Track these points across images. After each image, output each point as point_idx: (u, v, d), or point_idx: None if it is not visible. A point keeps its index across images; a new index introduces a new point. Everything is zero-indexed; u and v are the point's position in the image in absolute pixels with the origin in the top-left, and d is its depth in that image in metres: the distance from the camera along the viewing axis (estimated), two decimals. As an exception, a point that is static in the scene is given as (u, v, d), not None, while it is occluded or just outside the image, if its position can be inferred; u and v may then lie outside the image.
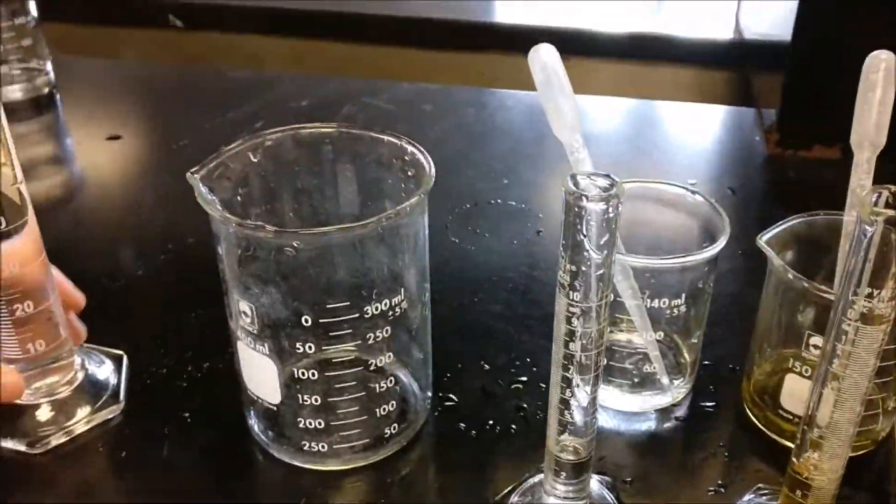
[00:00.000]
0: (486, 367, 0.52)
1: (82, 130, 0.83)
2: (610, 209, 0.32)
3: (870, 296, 0.32)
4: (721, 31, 1.08)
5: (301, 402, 0.42)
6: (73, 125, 0.85)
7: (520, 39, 1.12)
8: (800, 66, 0.73)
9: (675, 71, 1.11)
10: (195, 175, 0.41)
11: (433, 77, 1.12)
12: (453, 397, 0.50)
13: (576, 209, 0.32)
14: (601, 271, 0.33)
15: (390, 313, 0.41)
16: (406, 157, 0.44)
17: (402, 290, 0.42)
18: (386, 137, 0.45)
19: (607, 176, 0.33)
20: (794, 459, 0.38)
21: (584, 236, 0.32)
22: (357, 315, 0.40)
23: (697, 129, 0.84)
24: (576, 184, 0.32)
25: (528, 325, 0.56)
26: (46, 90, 0.88)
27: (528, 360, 0.53)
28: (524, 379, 0.51)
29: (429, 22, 1.12)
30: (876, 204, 0.32)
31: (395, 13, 1.12)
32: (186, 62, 1.15)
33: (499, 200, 0.70)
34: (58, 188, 0.74)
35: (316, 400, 0.42)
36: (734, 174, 0.76)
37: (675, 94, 1.09)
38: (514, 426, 0.48)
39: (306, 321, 0.39)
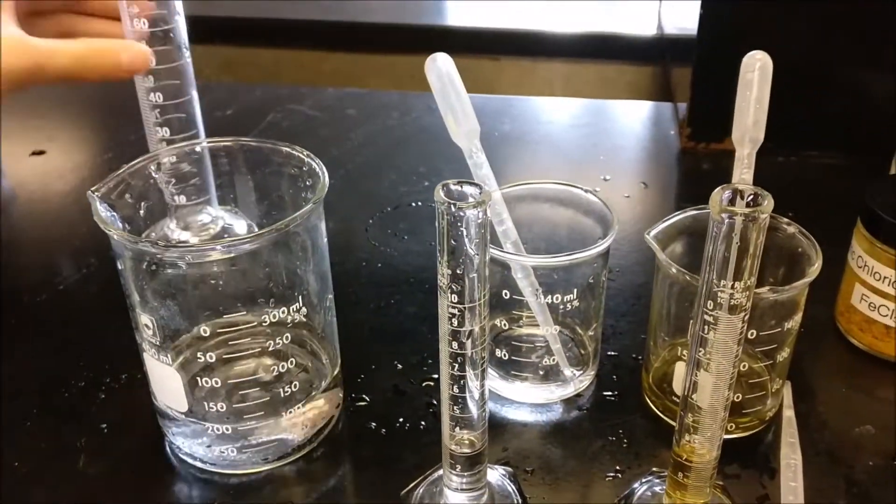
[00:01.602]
0: (399, 366, 0.54)
1: (6, 146, 0.83)
2: (480, 214, 0.34)
3: (726, 287, 0.35)
4: (645, 28, 1.11)
5: (207, 409, 0.43)
6: (-2, 141, 0.85)
7: (451, 41, 1.14)
8: (706, 59, 0.75)
9: (603, 67, 1.13)
10: (95, 193, 0.42)
11: (361, 81, 1.14)
12: (366, 397, 0.52)
13: (449, 217, 0.34)
14: (476, 273, 0.35)
15: (290, 320, 0.43)
16: (304, 168, 0.45)
17: (301, 297, 0.43)
18: (284, 148, 0.46)
19: (475, 184, 0.34)
20: (674, 443, 0.41)
21: (462, 240, 0.34)
22: (255, 324, 0.41)
23: (619, 126, 0.87)
24: (448, 193, 0.34)
25: (442, 324, 0.57)
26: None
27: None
28: (435, 376, 0.53)
29: (358, 26, 1.13)
30: (730, 202, 0.34)
31: (322, 17, 1.14)
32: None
33: (420, 203, 0.72)
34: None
35: (221, 407, 0.43)
36: (648, 168, 0.78)
37: (605, 90, 1.12)
38: (423, 422, 0.50)
39: (205, 332, 0.41)
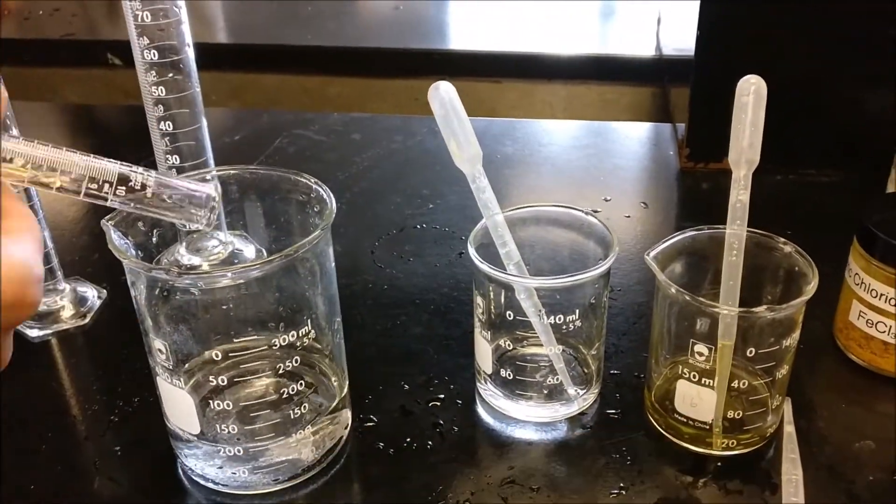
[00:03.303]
0: (406, 387, 0.55)
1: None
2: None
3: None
4: (644, 49, 1.13)
5: (219, 430, 0.44)
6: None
7: (452, 66, 1.16)
8: (703, 80, 0.77)
9: (604, 89, 1.15)
10: (108, 223, 0.43)
11: (366, 105, 1.16)
12: (373, 418, 0.53)
13: None
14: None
15: (299, 343, 0.44)
16: (311, 194, 0.47)
17: (310, 320, 0.44)
18: (292, 176, 0.47)
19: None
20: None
21: None
22: (265, 347, 0.42)
23: (619, 147, 0.88)
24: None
25: (447, 345, 0.59)
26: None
27: (446, 377, 0.56)
28: (441, 396, 0.54)
29: (362, 51, 1.15)
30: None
31: (326, 43, 1.16)
32: (125, 100, 1.17)
33: (424, 225, 0.73)
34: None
35: (233, 429, 0.44)
36: (649, 189, 0.80)
37: (606, 112, 1.14)
38: (430, 442, 0.51)
39: (216, 356, 0.42)
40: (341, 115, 0.94)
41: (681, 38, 1.03)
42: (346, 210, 0.75)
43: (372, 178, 0.81)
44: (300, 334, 0.44)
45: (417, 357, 0.58)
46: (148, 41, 0.53)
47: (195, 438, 0.45)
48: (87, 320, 0.62)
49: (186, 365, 0.43)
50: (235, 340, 0.42)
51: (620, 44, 1.18)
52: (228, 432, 0.44)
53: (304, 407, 0.46)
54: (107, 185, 0.33)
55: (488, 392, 0.53)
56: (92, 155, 0.34)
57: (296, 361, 0.44)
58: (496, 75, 1.13)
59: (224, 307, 0.42)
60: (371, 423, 0.52)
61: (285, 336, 0.43)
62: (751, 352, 0.46)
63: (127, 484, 0.49)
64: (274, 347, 0.43)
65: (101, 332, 0.62)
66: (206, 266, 0.59)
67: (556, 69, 1.15)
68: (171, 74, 0.56)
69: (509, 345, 0.51)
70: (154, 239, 0.46)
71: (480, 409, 0.53)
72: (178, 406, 0.45)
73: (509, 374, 0.51)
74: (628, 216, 0.73)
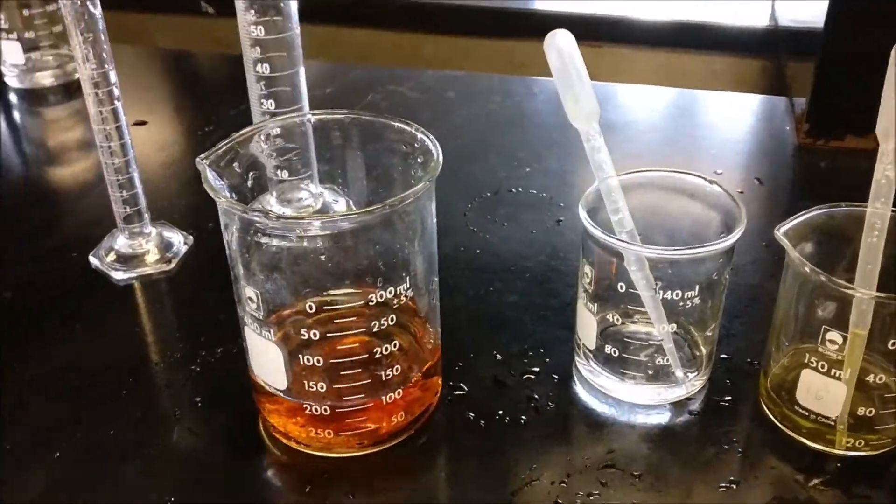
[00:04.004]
0: (499, 356, 0.52)
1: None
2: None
3: None
4: (756, 19, 1.06)
5: (307, 388, 0.42)
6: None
7: (552, 26, 1.11)
8: (832, 53, 0.71)
9: (710, 59, 1.09)
10: (203, 161, 0.41)
11: (461, 64, 1.12)
12: (464, 386, 0.50)
13: None
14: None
15: (395, 301, 0.41)
16: (416, 144, 0.43)
17: (409, 278, 0.41)
18: (396, 123, 0.44)
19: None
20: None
21: None
22: (361, 303, 0.40)
23: (728, 119, 0.82)
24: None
25: (544, 315, 0.55)
26: (76, 76, 0.89)
27: (542, 350, 0.52)
28: (536, 369, 0.51)
29: (458, 8, 1.11)
30: None
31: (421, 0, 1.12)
32: (217, 49, 1.15)
33: (520, 189, 0.70)
34: (87, 172, 0.75)
35: (322, 387, 0.42)
36: (762, 164, 0.74)
37: (710, 82, 1.08)
38: (523, 417, 0.48)
39: (310, 308, 0.39)
40: (436, 73, 0.90)
41: (800, 8, 0.97)
42: (438, 169, 0.72)
43: (466, 137, 0.77)
44: (397, 292, 0.41)
45: (512, 326, 0.54)
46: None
47: (280, 393, 0.43)
48: (172, 266, 0.60)
49: (277, 316, 0.41)
50: (329, 294, 0.40)
51: (729, 12, 1.12)
52: (316, 389, 0.42)
53: (396, 369, 0.43)
54: None
55: (588, 368, 0.50)
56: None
57: (391, 320, 0.41)
58: (596, 39, 1.08)
59: (320, 257, 0.40)
60: (461, 392, 0.49)
61: (382, 292, 0.40)
62: (893, 344, 0.42)
63: (207, 436, 0.47)
64: (370, 304, 0.40)
65: (186, 279, 0.60)
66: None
67: (659, 35, 1.09)
68: (270, 14, 0.54)
69: (617, 319, 0.47)
70: (249, 182, 0.44)
71: (578, 386, 0.50)
72: (266, 359, 0.42)
73: (614, 352, 0.48)
74: (741, 192, 0.68)
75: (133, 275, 0.59)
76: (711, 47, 1.09)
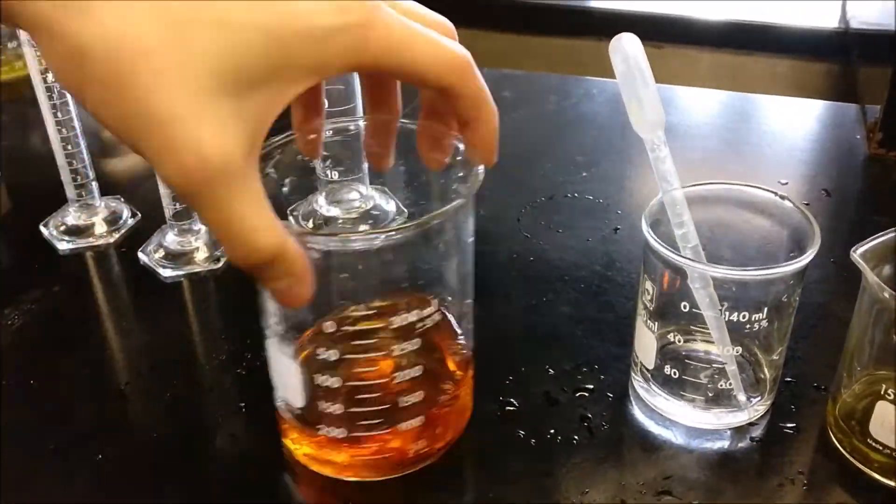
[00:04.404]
0: (551, 371, 0.50)
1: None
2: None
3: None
4: (825, 20, 1.02)
5: (322, 409, 0.40)
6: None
7: (612, 26, 1.08)
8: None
9: (775, 62, 1.05)
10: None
11: (517, 63, 1.10)
12: (514, 402, 0.48)
13: None
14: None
15: (420, 325, 0.38)
16: (457, 156, 0.41)
17: (437, 301, 0.39)
18: (437, 133, 0.42)
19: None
20: None
21: None
22: (382, 325, 0.38)
23: (793, 125, 0.79)
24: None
25: (599, 330, 0.53)
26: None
27: (596, 366, 0.50)
28: (590, 387, 0.49)
29: (514, 5, 1.09)
30: None
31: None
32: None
33: (576, 194, 0.67)
34: (141, 165, 0.74)
35: (338, 409, 0.40)
36: (830, 175, 0.71)
37: (774, 86, 1.04)
38: (576, 437, 0.46)
39: (329, 327, 0.38)
40: (492, 71, 0.88)
41: (874, 10, 0.93)
42: (491, 172, 0.70)
43: (522, 139, 0.75)
44: (423, 315, 0.38)
45: (565, 340, 0.52)
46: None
47: (299, 411, 0.41)
48: (220, 264, 0.59)
49: (296, 332, 0.39)
50: (352, 313, 0.38)
51: (797, 14, 1.08)
52: (333, 413, 0.40)
53: (418, 395, 0.40)
54: None
55: (645, 388, 0.47)
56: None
57: (414, 345, 0.39)
58: (658, 39, 1.05)
59: (344, 274, 0.38)
60: (512, 408, 0.48)
61: (406, 316, 0.38)
62: (979, 379, 0.39)
63: (247, 445, 0.46)
64: (391, 327, 0.38)
65: (233, 279, 0.59)
66: (343, 219, 0.55)
67: (721, 36, 1.06)
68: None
69: (678, 338, 0.45)
70: (286, 188, 0.42)
71: (634, 406, 0.48)
72: (284, 375, 0.40)
73: (674, 372, 0.45)
74: (807, 203, 0.65)
75: (181, 272, 0.59)
76: (776, 49, 1.05)
